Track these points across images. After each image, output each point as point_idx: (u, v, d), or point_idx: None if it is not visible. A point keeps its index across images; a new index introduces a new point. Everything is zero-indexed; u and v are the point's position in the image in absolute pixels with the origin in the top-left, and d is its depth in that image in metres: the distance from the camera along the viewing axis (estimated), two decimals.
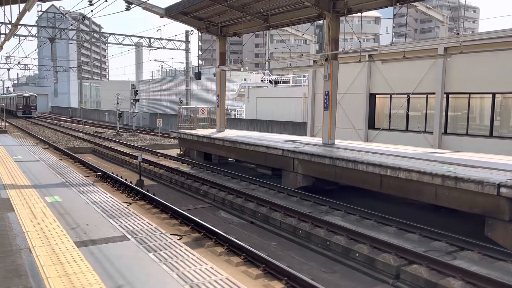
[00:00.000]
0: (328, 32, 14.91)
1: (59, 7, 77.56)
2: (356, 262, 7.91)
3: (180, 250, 5.43)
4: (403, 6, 14.28)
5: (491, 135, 16.55)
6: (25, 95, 60.62)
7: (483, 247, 7.89)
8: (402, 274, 7.15)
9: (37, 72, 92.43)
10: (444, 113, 17.96)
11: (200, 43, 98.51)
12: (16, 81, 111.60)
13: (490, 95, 16.55)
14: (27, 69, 65.28)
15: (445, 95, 17.85)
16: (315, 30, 70.67)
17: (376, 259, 7.59)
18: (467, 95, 17.31)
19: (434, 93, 18.08)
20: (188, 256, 5.22)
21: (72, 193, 8.47)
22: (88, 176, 14.54)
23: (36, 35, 36.79)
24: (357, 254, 7.96)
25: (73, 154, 20.45)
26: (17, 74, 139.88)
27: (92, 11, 20.01)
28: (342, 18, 15.10)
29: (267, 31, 22.06)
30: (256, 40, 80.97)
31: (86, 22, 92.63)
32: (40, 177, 10.10)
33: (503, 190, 7.96)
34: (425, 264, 7.06)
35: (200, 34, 23.77)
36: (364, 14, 15.68)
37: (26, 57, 61.55)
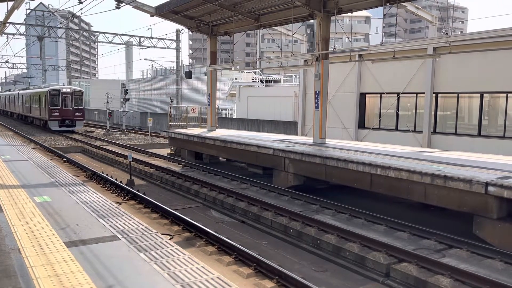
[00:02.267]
0: (319, 31, 14.97)
1: (48, 5, 76.84)
2: (346, 261, 7.97)
3: (171, 249, 5.42)
4: (393, 6, 14.38)
5: (479, 135, 16.76)
6: (64, 90, 32.55)
7: (472, 245, 7.99)
8: (392, 272, 7.22)
9: (25, 70, 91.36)
10: (433, 113, 18.14)
11: (190, 42, 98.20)
12: (4, 80, 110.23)
13: (478, 95, 16.76)
14: (15, 68, 64.11)
15: (434, 95, 18.03)
16: (306, 29, 70.88)
17: (367, 257, 7.65)
18: (456, 95, 17.50)
19: (423, 93, 18.25)
20: (179, 255, 5.22)
21: (62, 193, 8.40)
22: (78, 176, 14.43)
23: (25, 33, 36.40)
24: (347, 253, 8.02)
25: (63, 154, 20.26)
26: (5, 72, 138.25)
27: (81, 9, 19.92)
28: (332, 18, 15.16)
29: (258, 31, 22.07)
30: (247, 39, 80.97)
31: (75, 20, 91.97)
32: (29, 177, 9.99)
33: (491, 188, 8.07)
34: (415, 262, 7.13)
35: (191, 33, 23.72)
36: (355, 14, 15.76)
37: (14, 55, 60.43)
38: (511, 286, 6.14)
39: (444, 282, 6.51)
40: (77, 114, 32.69)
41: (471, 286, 6.41)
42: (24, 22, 41.77)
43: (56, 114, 31.76)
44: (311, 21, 18.45)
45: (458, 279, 6.56)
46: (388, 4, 13.80)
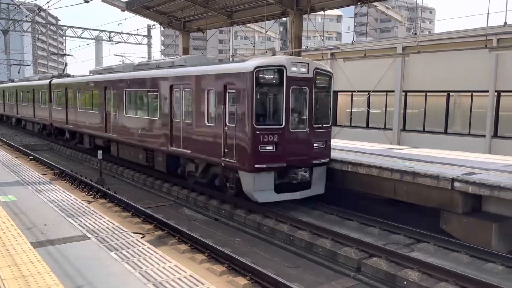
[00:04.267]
0: (292, 29, 15.06)
1: None
2: (319, 256, 8.06)
3: (142, 248, 5.34)
4: (363, 6, 14.63)
5: (446, 132, 17.28)
6: (295, 70, 9.43)
7: (439, 239, 8.24)
8: (363, 267, 7.36)
9: None
10: (402, 111, 18.57)
11: (162, 38, 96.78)
12: None
13: (445, 94, 17.27)
14: None
15: (403, 93, 18.46)
16: (279, 27, 71.12)
17: (338, 253, 7.77)
18: (424, 94, 17.98)
19: (393, 91, 18.66)
20: (151, 254, 5.15)
21: (28, 192, 8.14)
22: (45, 174, 14.02)
23: None
24: (320, 249, 8.11)
25: (29, 152, 19.63)
26: None
27: (48, 2, 19.19)
28: (305, 16, 15.28)
29: (231, 27, 22.01)
30: (220, 36, 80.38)
31: (42, 14, 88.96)
32: None
33: (456, 184, 8.33)
34: (385, 257, 7.30)
35: (162, 29, 23.43)
36: (327, 12, 15.95)
37: None
38: (476, 278, 6.37)
39: (413, 275, 6.68)
40: (317, 146, 10.55)
41: (438, 279, 6.60)
42: None
43: (270, 148, 9.60)
44: (284, 19, 18.53)
45: (426, 272, 6.75)
46: (359, 3, 14.02)
